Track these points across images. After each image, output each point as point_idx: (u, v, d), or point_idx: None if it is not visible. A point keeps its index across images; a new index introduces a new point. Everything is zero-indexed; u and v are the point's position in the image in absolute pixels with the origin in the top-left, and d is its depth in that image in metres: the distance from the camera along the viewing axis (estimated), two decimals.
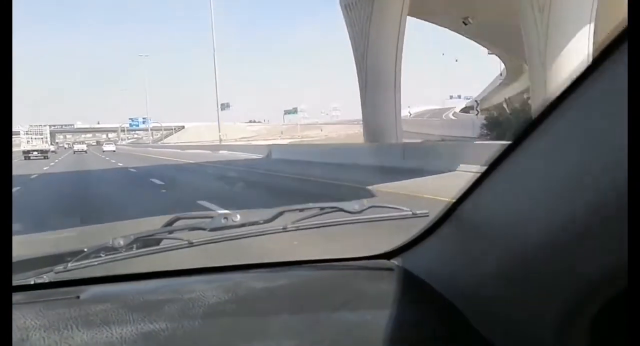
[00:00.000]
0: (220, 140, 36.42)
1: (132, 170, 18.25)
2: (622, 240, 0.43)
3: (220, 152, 30.48)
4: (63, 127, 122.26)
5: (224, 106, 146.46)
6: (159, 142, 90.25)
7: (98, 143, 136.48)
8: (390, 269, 0.92)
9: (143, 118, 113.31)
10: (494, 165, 0.64)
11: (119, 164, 23.20)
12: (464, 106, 75.70)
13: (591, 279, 0.48)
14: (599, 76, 0.46)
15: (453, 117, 66.89)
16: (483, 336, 0.67)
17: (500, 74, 47.10)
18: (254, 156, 23.89)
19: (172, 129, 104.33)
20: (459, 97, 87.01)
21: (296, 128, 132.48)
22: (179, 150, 40.37)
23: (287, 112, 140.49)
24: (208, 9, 47.64)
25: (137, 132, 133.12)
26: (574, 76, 0.48)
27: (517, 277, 0.59)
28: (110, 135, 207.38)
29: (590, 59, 0.47)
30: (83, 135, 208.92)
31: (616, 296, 0.48)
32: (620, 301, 0.48)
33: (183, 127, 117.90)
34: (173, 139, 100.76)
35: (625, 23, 0.44)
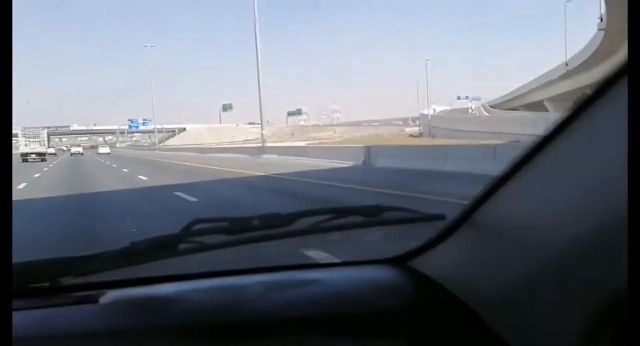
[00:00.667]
0: (263, 142, 31.93)
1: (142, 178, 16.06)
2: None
3: (265, 156, 26.67)
4: (58, 129, 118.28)
5: (226, 107, 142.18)
6: (161, 144, 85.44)
7: (93, 147, 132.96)
8: (405, 272, 0.94)
9: (143, 119, 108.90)
10: (515, 169, 0.65)
11: (124, 170, 21.62)
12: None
13: (616, 288, 0.49)
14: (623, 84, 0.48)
15: (487, 114, 63.17)
16: (504, 341, 0.68)
17: (566, 64, 42.70)
18: (336, 164, 17.91)
19: (173, 131, 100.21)
20: (467, 98, 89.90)
21: (303, 129, 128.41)
22: (199, 154, 37.34)
23: (290, 113, 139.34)
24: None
25: (134, 134, 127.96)
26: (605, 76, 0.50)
27: (540, 283, 0.60)
28: (108, 137, 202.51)
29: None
30: (79, 138, 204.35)
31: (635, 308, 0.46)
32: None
33: (184, 129, 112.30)
34: (175, 141, 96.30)
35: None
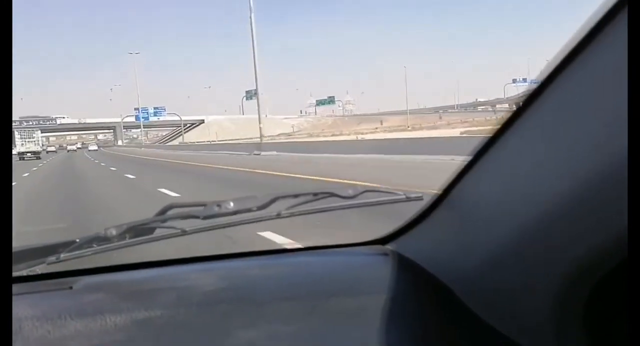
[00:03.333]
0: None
1: None
2: (609, 220, 0.50)
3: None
4: (41, 122, 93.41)
5: (251, 94, 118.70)
6: (177, 143, 64.40)
7: (84, 144, 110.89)
8: (385, 254, 1.02)
9: (154, 108, 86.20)
10: (486, 148, 0.71)
11: None
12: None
13: (582, 258, 0.55)
14: (586, 57, 0.52)
15: None
16: (480, 318, 0.76)
17: None
18: None
19: (186, 124, 78.48)
20: (524, 80, 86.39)
21: (344, 121, 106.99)
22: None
23: (320, 102, 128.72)
24: None
25: (131, 130, 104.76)
26: (560, 56, 0.55)
27: (510, 258, 0.67)
28: (100, 136, 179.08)
29: (581, 35, 0.52)
30: (68, 137, 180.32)
31: (608, 274, 0.56)
32: (612, 279, 0.57)
33: (202, 121, 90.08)
34: (190, 137, 74.32)
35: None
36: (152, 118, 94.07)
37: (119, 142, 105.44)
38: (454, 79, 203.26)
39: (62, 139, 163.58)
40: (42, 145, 66.85)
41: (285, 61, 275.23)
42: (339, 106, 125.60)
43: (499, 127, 0.68)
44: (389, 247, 1.06)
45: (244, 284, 0.95)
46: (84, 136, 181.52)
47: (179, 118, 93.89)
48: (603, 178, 0.50)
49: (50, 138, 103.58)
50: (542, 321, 0.65)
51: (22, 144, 53.19)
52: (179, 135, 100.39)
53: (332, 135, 68.56)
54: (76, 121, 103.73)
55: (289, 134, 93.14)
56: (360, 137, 44.28)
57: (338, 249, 1.14)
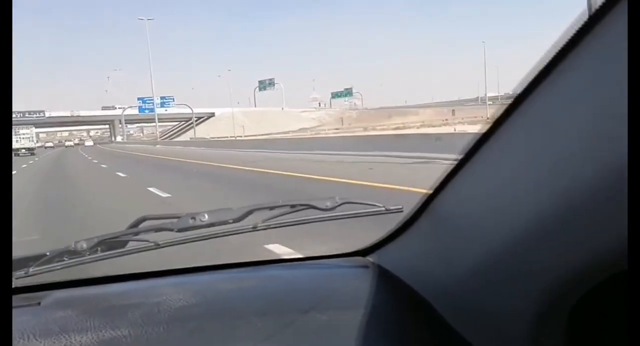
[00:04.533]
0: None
1: None
2: (597, 233, 0.51)
3: None
4: (26, 115, 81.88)
5: (265, 85, 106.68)
6: (191, 137, 53.68)
7: (81, 140, 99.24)
8: (365, 266, 1.05)
9: (161, 98, 74.71)
10: (468, 156, 0.72)
11: None
12: None
13: (566, 274, 0.57)
14: (572, 62, 0.53)
15: None
16: (459, 334, 0.78)
17: None
18: None
19: (195, 118, 67.14)
20: None
21: (370, 114, 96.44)
22: None
23: (336, 95, 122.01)
24: None
25: (127, 125, 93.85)
26: (544, 63, 0.55)
27: (492, 272, 0.68)
28: (93, 133, 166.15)
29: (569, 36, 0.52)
30: (59, 134, 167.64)
31: (592, 291, 0.57)
32: (596, 296, 0.58)
33: (213, 115, 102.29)
34: (200, 132, 63.03)
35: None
36: (159, 110, 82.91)
37: (118, 138, 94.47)
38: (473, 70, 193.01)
39: (53, 136, 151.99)
40: (37, 141, 73.41)
41: (299, 49, 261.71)
42: (353, 99, 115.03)
43: (479, 136, 0.68)
44: (369, 258, 1.08)
45: (217, 299, 0.95)
46: (74, 132, 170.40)
47: (187, 111, 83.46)
48: (585, 192, 0.50)
49: (40, 135, 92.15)
50: (522, 338, 0.67)
51: (17, 141, 57.61)
52: (182, 131, 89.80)
53: (375, 129, 58.11)
54: (68, 114, 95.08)
55: (310, 129, 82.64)
56: (456, 129, 33.74)
57: (317, 261, 1.16)
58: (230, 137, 64.36)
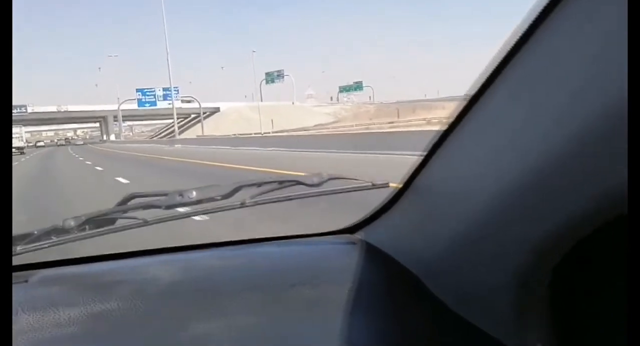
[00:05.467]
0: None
1: None
2: (562, 203, 0.55)
3: None
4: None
5: (273, 76, 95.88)
6: (199, 135, 45.43)
7: (73, 138, 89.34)
8: (353, 243, 1.10)
9: (164, 89, 65.44)
10: (449, 131, 0.77)
11: None
12: None
13: (541, 244, 0.61)
14: (534, 43, 0.57)
15: None
16: (445, 304, 0.84)
17: None
18: None
19: (198, 113, 58.24)
20: None
21: (389, 109, 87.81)
22: None
23: (344, 89, 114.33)
24: None
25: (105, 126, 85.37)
26: (520, 32, 0.58)
27: (470, 245, 0.74)
28: (80, 132, 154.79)
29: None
30: (44, 133, 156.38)
31: (569, 255, 0.62)
32: (572, 261, 0.63)
33: (218, 110, 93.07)
34: (209, 128, 53.23)
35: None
36: (161, 104, 75.44)
37: (112, 137, 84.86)
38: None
39: (38, 136, 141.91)
40: (26, 141, 78.35)
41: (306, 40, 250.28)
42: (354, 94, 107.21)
43: (458, 112, 0.73)
44: (357, 235, 1.14)
45: (204, 275, 0.99)
46: (60, 132, 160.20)
47: (192, 106, 74.04)
48: (553, 163, 0.54)
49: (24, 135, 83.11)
50: (503, 306, 0.71)
51: None
52: (181, 129, 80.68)
53: (411, 124, 56.52)
54: (54, 109, 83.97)
55: (328, 125, 74.01)
56: None
57: (306, 239, 1.21)
58: (255, 133, 55.92)
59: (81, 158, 30.54)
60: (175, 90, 73.80)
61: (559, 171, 0.55)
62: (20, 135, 64.64)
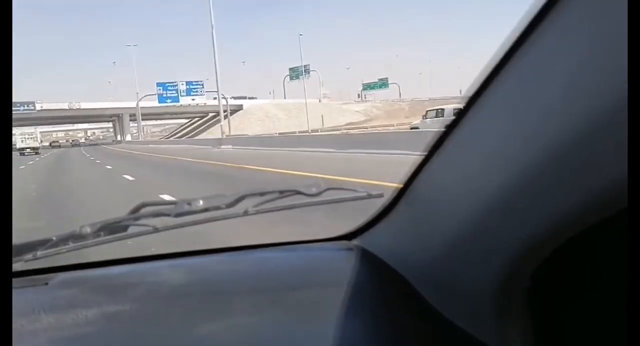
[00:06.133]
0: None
1: None
2: (545, 210, 0.58)
3: None
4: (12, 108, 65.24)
5: (298, 72, 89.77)
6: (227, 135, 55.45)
7: (88, 139, 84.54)
8: (350, 249, 1.19)
9: (187, 83, 59.44)
10: (441, 140, 0.82)
11: None
12: None
13: (525, 243, 0.64)
14: (532, 40, 0.58)
15: None
16: (435, 309, 0.89)
17: None
18: None
19: (218, 112, 52.00)
20: None
21: (424, 106, 79.36)
22: None
23: (368, 87, 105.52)
24: None
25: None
26: (515, 35, 0.60)
27: (458, 250, 0.79)
28: (93, 130, 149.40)
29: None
30: (54, 133, 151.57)
31: (552, 258, 0.66)
32: (554, 262, 0.68)
33: (241, 107, 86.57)
34: (232, 128, 46.58)
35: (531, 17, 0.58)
36: (184, 100, 70.92)
37: (128, 137, 79.09)
38: None
39: (48, 137, 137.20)
40: (41, 141, 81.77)
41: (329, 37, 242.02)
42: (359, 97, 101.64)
43: (453, 118, 0.76)
44: (354, 242, 1.21)
45: (210, 279, 1.09)
46: (70, 133, 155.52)
47: (215, 103, 68.80)
48: (540, 170, 0.57)
49: (25, 134, 78.05)
50: (489, 310, 0.75)
51: (22, 141, 63.96)
52: (199, 129, 75.18)
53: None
54: (65, 106, 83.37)
55: (359, 123, 68.69)
56: None
57: (305, 245, 1.30)
58: (299, 132, 51.04)
59: (109, 167, 21.77)
60: (199, 85, 68.60)
61: (550, 171, 0.57)
62: (35, 136, 67.07)
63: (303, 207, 1.12)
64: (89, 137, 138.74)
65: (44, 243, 1.03)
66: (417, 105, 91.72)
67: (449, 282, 0.84)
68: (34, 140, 64.49)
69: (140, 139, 78.32)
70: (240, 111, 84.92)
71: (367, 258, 1.09)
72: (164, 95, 67.88)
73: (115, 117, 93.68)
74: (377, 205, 1.09)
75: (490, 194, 0.67)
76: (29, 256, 1.02)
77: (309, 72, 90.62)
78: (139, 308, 0.93)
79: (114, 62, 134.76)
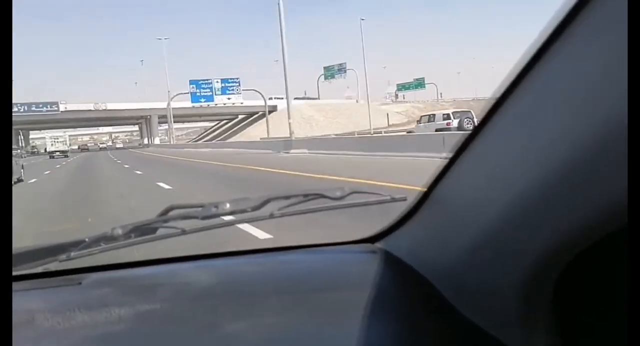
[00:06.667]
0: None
1: None
2: (577, 210, 0.59)
3: None
4: (32, 107, 76.23)
5: (333, 71, 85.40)
6: (262, 137, 55.02)
7: (114, 141, 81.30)
8: (373, 252, 1.21)
9: (223, 81, 55.07)
10: (465, 144, 0.84)
11: None
12: None
13: (548, 248, 0.66)
14: (560, 46, 0.58)
15: None
16: (458, 312, 0.91)
17: None
18: None
19: (252, 113, 47.72)
20: None
21: (469, 106, 73.82)
22: None
23: (402, 87, 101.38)
24: None
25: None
26: (539, 42, 0.61)
27: (484, 252, 0.80)
28: (118, 133, 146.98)
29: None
30: (80, 137, 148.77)
31: (573, 263, 0.67)
32: (576, 270, 0.69)
33: (275, 108, 79.77)
34: (260, 131, 42.09)
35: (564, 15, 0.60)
36: (219, 99, 66.76)
37: (156, 141, 75.49)
38: None
39: (74, 140, 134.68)
40: (70, 145, 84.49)
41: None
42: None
43: (481, 119, 0.78)
44: (377, 245, 1.23)
45: (236, 280, 1.12)
46: (95, 136, 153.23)
47: (242, 104, 64.46)
48: (566, 171, 0.58)
49: (56, 138, 74.56)
50: (511, 315, 0.77)
51: (52, 144, 67.81)
52: (228, 132, 70.94)
53: None
54: (90, 107, 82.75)
55: (403, 125, 64.16)
56: None
57: (329, 247, 1.33)
58: (357, 133, 46.58)
59: (162, 185, 14.84)
60: (235, 82, 63.20)
61: (573, 177, 0.57)
62: (64, 139, 71.14)
63: (327, 210, 1.15)
64: (113, 140, 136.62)
65: (77, 244, 1.08)
66: (464, 104, 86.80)
67: (473, 285, 0.86)
68: (63, 144, 67.27)
69: (171, 142, 74.27)
70: (275, 112, 78.93)
71: (390, 260, 1.11)
72: (198, 94, 63.79)
73: (142, 119, 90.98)
74: (401, 208, 1.11)
75: (513, 200, 0.69)
76: (63, 256, 1.07)
77: (345, 71, 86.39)
78: (168, 308, 0.96)
79: (141, 61, 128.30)
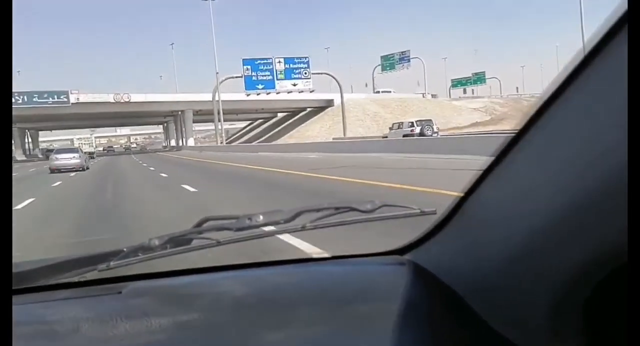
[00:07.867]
0: None
1: None
2: (611, 228, 0.61)
3: None
4: (34, 97, 57.98)
5: (394, 60, 72.35)
6: (335, 138, 48.67)
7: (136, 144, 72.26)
8: (402, 264, 1.29)
9: (286, 60, 40.93)
10: (498, 160, 0.88)
11: None
12: None
13: (581, 264, 0.70)
14: (599, 64, 0.62)
15: None
16: (489, 325, 0.94)
17: None
18: None
19: (304, 108, 34.01)
20: None
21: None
22: None
23: (457, 83, 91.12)
24: None
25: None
26: (574, 64, 0.64)
27: (515, 267, 0.84)
28: (148, 133, 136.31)
29: (590, 47, 0.62)
30: (97, 140, 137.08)
31: (605, 280, 0.70)
32: (609, 286, 0.72)
33: (331, 103, 66.27)
34: (323, 129, 27.14)
35: (625, 7, 0.58)
36: (282, 85, 50.58)
37: (190, 142, 63.89)
38: None
39: (87, 145, 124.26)
40: (95, 146, 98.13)
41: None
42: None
43: (509, 140, 0.82)
44: (406, 257, 1.31)
45: (269, 290, 1.19)
46: (113, 139, 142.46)
47: (309, 97, 53.31)
48: (604, 187, 0.60)
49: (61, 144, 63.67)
50: (541, 330, 0.80)
51: (79, 146, 72.89)
52: (273, 132, 59.65)
53: None
54: (110, 98, 66.05)
55: (485, 123, 52.54)
56: None
57: (359, 259, 1.44)
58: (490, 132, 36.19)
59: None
60: (302, 62, 48.14)
61: (609, 196, 0.59)
62: (90, 141, 79.46)
63: (357, 223, 1.22)
64: (132, 143, 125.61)
65: (116, 254, 1.17)
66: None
67: (502, 299, 0.90)
68: (89, 146, 76.64)
69: (217, 142, 58.00)
70: (330, 108, 68.80)
71: (419, 272, 1.17)
72: (253, 78, 48.07)
73: (170, 117, 76.89)
74: (430, 221, 1.18)
75: (546, 216, 0.72)
76: (103, 266, 1.16)
77: (408, 60, 74.42)
78: (206, 318, 1.03)
79: (171, 44, 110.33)
